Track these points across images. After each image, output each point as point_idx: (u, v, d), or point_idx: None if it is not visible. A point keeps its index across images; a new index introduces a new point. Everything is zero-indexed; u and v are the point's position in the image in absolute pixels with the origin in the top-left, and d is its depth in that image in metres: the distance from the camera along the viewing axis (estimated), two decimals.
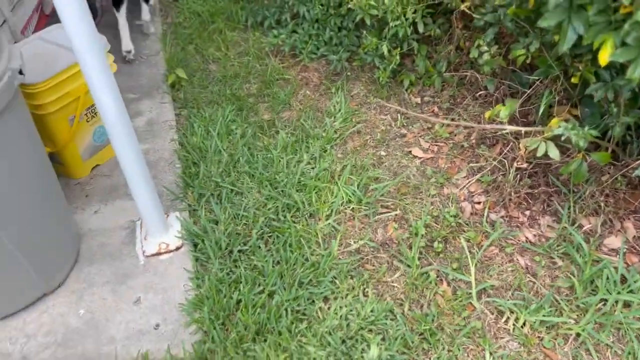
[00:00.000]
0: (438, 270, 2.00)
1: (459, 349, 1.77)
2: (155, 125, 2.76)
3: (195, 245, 2.13)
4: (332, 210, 2.23)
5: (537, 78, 2.20)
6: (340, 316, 1.85)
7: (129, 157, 1.84)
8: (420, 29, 2.68)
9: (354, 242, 2.13)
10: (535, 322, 1.81)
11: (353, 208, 2.25)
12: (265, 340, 1.79)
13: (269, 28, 3.30)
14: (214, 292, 1.91)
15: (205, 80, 3.07)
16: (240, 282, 1.95)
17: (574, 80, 2.02)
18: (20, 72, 1.60)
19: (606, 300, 1.83)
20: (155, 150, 2.60)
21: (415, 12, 2.64)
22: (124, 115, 1.75)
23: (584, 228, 2.07)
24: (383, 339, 1.79)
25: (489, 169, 2.35)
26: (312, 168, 2.44)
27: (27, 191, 1.75)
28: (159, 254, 2.10)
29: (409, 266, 2.01)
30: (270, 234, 2.14)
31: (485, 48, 2.33)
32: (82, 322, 1.89)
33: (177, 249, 2.11)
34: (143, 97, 2.95)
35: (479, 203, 2.26)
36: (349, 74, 3.02)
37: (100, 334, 1.85)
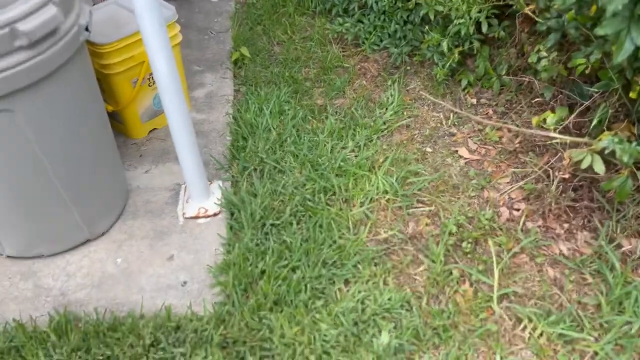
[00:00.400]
0: (462, 270, 2.00)
1: (469, 349, 1.76)
2: (214, 98, 2.88)
3: (232, 214, 2.22)
4: (367, 198, 2.26)
5: (596, 90, 2.13)
6: (357, 300, 1.89)
7: (177, 120, 1.94)
8: (484, 29, 2.65)
9: (384, 232, 2.15)
10: (553, 334, 1.77)
11: (388, 199, 2.27)
12: (281, 311, 1.86)
13: (336, 16, 3.35)
14: (241, 260, 1.99)
15: (267, 60, 3.16)
16: (267, 254, 2.02)
17: (632, 95, 1.94)
18: (87, 29, 1.73)
19: (632, 322, 1.76)
20: (209, 122, 2.72)
21: (480, 11, 2.61)
22: (176, 82, 1.85)
23: (623, 249, 1.99)
24: (395, 327, 1.82)
25: (533, 177, 2.30)
26: (355, 156, 2.47)
27: (82, 140, 1.89)
28: (197, 217, 2.20)
29: (433, 261, 2.02)
30: (303, 213, 2.20)
31: (544, 54, 2.28)
32: (118, 270, 2.02)
33: (215, 215, 2.21)
34: (207, 70, 3.07)
35: (517, 210, 2.22)
36: (408, 68, 3.02)
37: (132, 283, 1.98)
